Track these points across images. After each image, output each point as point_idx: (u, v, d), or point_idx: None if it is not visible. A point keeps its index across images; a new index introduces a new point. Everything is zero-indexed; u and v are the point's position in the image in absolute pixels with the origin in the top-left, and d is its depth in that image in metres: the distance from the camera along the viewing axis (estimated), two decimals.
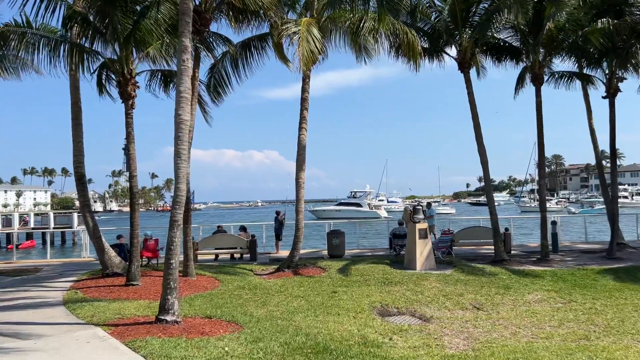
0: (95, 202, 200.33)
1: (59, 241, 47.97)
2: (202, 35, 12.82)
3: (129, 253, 14.66)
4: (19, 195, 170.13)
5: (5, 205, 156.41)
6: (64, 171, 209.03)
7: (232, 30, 14.34)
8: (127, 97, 11.85)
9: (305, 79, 14.67)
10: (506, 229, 17.97)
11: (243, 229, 18.06)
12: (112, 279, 12.82)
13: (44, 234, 45.39)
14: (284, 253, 19.18)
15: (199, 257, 16.88)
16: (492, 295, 11.82)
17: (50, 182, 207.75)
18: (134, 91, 11.97)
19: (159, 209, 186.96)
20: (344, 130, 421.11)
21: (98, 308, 9.56)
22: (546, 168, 34.41)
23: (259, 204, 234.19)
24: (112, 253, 13.41)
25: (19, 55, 11.80)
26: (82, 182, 13.43)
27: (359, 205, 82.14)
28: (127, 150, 11.75)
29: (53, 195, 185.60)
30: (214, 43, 14.06)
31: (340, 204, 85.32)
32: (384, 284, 12.99)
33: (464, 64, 16.37)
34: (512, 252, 17.71)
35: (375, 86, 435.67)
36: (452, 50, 17.36)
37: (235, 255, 17.62)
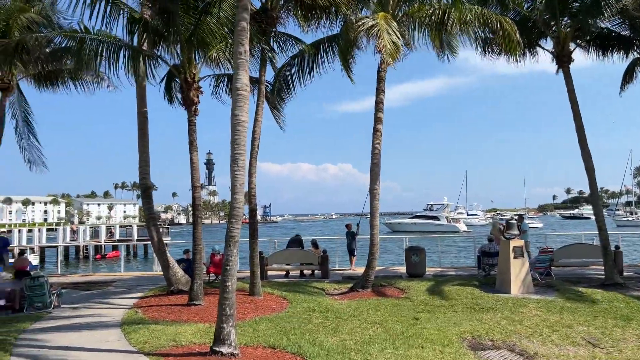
0: (179, 214, 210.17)
1: (142, 253, 49.74)
2: (268, 36, 11.92)
3: None
4: (110, 208, 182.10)
5: (98, 218, 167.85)
6: (153, 187, 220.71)
7: (300, 30, 13.30)
8: (189, 104, 11.14)
9: (381, 81, 13.30)
10: (617, 247, 15.43)
11: (314, 244, 16.91)
12: (175, 297, 12.09)
13: (127, 246, 47.32)
14: (358, 270, 17.81)
15: (269, 273, 15.94)
16: (609, 329, 9.73)
17: (138, 196, 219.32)
18: (197, 97, 11.23)
19: None
20: (419, 142, 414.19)
21: (154, 332, 8.71)
22: None
23: (333, 217, 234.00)
24: (177, 269, 12.72)
25: (88, 65, 11.37)
26: (147, 195, 12.91)
27: (436, 218, 79.28)
28: (191, 160, 11.01)
29: (141, 208, 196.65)
30: (283, 44, 13.13)
31: (416, 216, 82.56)
32: (474, 310, 11.24)
33: (563, 57, 14.29)
34: (625, 273, 15.15)
35: (451, 96, 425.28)
36: (547, 43, 15.34)
37: (305, 272, 16.49)
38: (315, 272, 16.29)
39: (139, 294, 13.26)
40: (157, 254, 12.62)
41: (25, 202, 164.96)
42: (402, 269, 17.05)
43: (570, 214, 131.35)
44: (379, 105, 13.42)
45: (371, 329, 9.77)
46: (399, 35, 11.49)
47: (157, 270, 19.41)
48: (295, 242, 17.29)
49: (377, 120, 13.43)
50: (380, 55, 11.58)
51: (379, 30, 11.10)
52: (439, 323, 10.14)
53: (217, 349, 7.10)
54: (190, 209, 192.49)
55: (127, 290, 14.37)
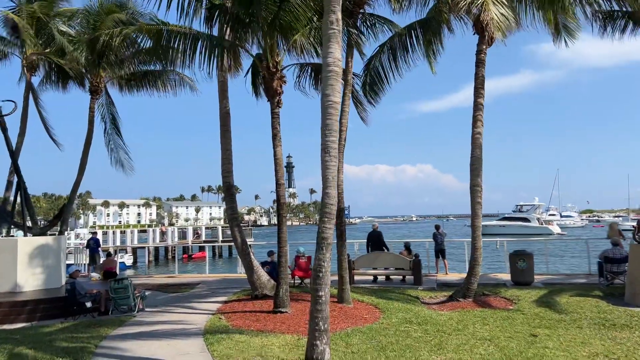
0: (261, 216, 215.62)
1: (227, 253, 50.72)
2: (355, 17, 10.83)
3: None
4: (197, 210, 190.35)
5: (186, 220, 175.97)
6: (235, 188, 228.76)
7: (391, 11, 12.05)
8: (272, 94, 10.30)
9: (480, 64, 11.67)
10: None
11: (407, 247, 15.54)
12: (260, 302, 11.31)
13: (213, 247, 48.36)
14: (453, 276, 16.25)
15: (356, 278, 14.83)
16: None
17: (223, 199, 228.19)
18: (280, 87, 10.36)
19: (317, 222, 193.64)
20: (505, 141, 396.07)
21: (238, 344, 7.87)
22: None
23: (414, 219, 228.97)
24: (261, 272, 11.96)
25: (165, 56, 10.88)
26: (230, 193, 12.28)
27: (526, 220, 74.61)
28: (274, 155, 10.18)
29: (225, 211, 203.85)
30: (371, 28, 11.97)
31: (505, 218, 78.04)
32: (603, 327, 9.43)
33: None
34: None
35: (539, 93, 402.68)
36: None
37: (390, 277, 15.19)
38: (407, 277, 14.95)
39: (223, 298, 12.67)
40: (240, 256, 11.94)
41: (121, 205, 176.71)
42: (504, 276, 15.28)
43: None
44: (478, 91, 11.85)
45: (481, 346, 8.35)
46: (507, 6, 9.92)
47: (241, 272, 18.96)
48: (375, 237, 16.17)
49: (477, 107, 11.87)
50: (483, 33, 10.10)
51: (484, 2, 9.63)
52: (562, 342, 8.51)
53: None
54: (272, 210, 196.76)
55: (211, 293, 13.88)
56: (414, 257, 14.64)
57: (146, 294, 12.02)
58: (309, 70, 12.17)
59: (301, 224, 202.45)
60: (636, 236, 11.49)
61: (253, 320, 9.63)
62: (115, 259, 33.34)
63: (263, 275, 11.94)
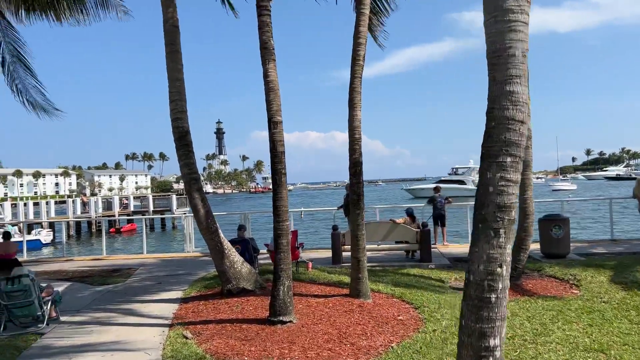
0: None
1: (159, 226, 45.81)
2: None
3: (255, 254, 9.64)
4: (122, 179, 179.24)
5: (110, 189, 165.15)
6: (162, 156, 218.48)
7: None
8: None
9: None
10: None
11: (409, 214, 12.33)
12: (239, 302, 7.69)
13: (143, 220, 43.20)
14: (455, 248, 13.44)
15: (344, 255, 11.56)
16: None
17: (150, 167, 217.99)
18: None
19: (252, 190, 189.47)
20: (427, 107, 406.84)
21: None
22: None
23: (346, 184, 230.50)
24: (235, 257, 8.29)
25: None
26: (185, 143, 8.40)
27: (462, 182, 74.91)
28: (265, 76, 6.45)
29: (153, 179, 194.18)
30: None
31: (441, 181, 77.79)
32: None
33: None
34: None
35: (459, 60, 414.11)
36: None
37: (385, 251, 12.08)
38: (415, 253, 11.85)
39: (177, 293, 8.94)
40: (204, 234, 8.19)
41: (36, 175, 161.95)
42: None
43: (616, 174, 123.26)
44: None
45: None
46: None
47: (188, 250, 15.15)
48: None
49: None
50: None
51: None
52: None
53: None
54: (202, 179, 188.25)
55: (157, 284, 10.08)
56: (421, 227, 11.51)
57: (61, 294, 8.00)
58: None
59: (233, 191, 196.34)
60: None
61: (240, 339, 6.01)
62: (31, 236, 27.79)
63: (238, 261, 8.28)
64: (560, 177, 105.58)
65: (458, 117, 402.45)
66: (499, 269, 2.76)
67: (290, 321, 6.34)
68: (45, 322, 7.15)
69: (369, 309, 7.35)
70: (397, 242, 11.94)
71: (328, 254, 12.11)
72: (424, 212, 15.12)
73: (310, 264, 10.30)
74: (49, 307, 7.29)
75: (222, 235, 8.33)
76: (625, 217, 27.18)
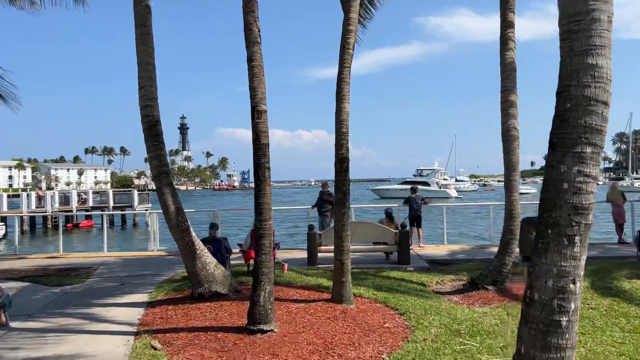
0: (152, 182, 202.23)
1: (119, 222, 44.12)
2: None
3: (227, 254, 9.04)
4: (80, 173, 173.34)
5: (68, 184, 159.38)
6: (122, 150, 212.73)
7: None
8: None
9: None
10: None
11: (388, 215, 11.95)
12: (211, 307, 7.09)
13: (102, 216, 41.54)
14: (431, 250, 13.22)
15: (320, 256, 11.08)
16: None
17: (110, 161, 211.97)
18: None
19: (216, 187, 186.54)
20: (394, 109, 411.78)
21: None
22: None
23: (312, 183, 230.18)
24: (208, 258, 7.67)
25: None
26: (155, 134, 7.73)
27: (426, 184, 75.73)
28: (249, 55, 5.86)
29: (113, 174, 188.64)
30: None
31: (406, 182, 78.51)
32: None
33: None
34: None
35: (426, 64, 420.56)
36: None
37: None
38: (390, 254, 11.48)
39: (142, 296, 8.25)
40: (174, 232, 7.53)
41: None
42: (490, 248, 12.54)
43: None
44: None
45: None
46: None
47: (152, 249, 14.33)
48: (329, 200, 13.46)
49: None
50: None
51: None
52: None
53: None
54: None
55: (120, 285, 9.33)
56: (400, 228, 11.14)
57: (11, 297, 7.19)
58: None
59: (197, 188, 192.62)
60: None
61: (217, 350, 5.43)
62: None
63: (211, 262, 7.66)
64: (520, 180, 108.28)
65: (424, 120, 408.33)
66: (571, 286, 2.29)
67: (271, 330, 5.79)
68: None
69: (353, 315, 6.88)
70: (374, 243, 11.53)
71: (302, 254, 11.61)
72: (399, 212, 14.82)
73: (286, 266, 9.76)
74: None
75: (193, 234, 7.70)
76: (597, 220, 27.74)
